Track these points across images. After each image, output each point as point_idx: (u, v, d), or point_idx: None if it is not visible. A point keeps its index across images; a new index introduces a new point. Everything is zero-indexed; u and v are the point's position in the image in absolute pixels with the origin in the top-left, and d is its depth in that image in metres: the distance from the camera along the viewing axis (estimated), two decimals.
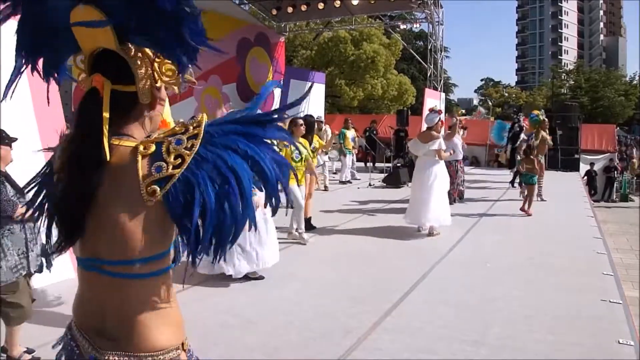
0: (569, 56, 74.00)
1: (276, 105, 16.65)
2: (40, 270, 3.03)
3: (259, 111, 1.09)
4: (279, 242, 5.83)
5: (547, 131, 10.06)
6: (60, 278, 4.24)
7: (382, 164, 13.99)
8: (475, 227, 7.07)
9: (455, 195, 8.64)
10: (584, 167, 17.17)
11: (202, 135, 1.03)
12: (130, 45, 1.07)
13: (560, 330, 3.54)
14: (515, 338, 3.40)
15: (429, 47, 16.17)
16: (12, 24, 1.22)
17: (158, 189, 1.01)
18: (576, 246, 5.99)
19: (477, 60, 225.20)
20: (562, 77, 48.14)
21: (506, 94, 51.55)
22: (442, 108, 15.79)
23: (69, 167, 1.09)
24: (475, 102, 60.24)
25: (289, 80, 16.52)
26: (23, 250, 2.90)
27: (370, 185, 11.43)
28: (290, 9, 15.14)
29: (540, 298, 4.19)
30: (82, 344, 1.16)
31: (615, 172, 18.59)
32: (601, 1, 77.48)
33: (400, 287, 4.38)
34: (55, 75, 1.23)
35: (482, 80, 64.48)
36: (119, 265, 1.07)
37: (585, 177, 17.00)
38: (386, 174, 12.10)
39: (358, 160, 14.16)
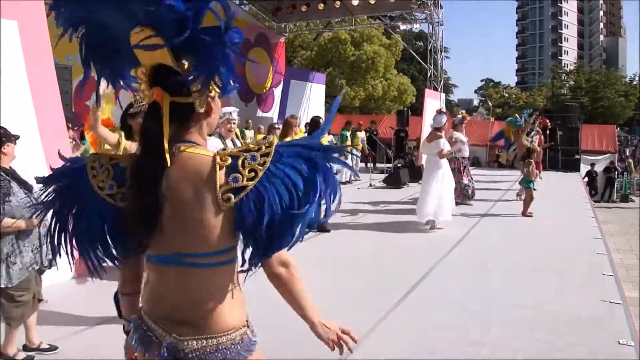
0: (569, 57, 74.00)
1: (277, 105, 16.67)
2: (50, 265, 3.03)
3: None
4: None
5: (527, 135, 10.18)
6: (60, 278, 4.24)
7: (382, 165, 13.99)
8: (476, 227, 7.07)
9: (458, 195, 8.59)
10: (584, 168, 17.16)
11: (272, 154, 1.19)
12: (184, 61, 1.18)
13: (560, 330, 3.54)
14: (515, 338, 3.40)
15: (429, 48, 16.18)
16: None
17: (232, 196, 1.17)
18: (576, 246, 5.98)
19: (477, 61, 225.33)
20: (562, 77, 48.15)
21: (506, 95, 51.54)
22: (443, 109, 15.78)
23: (136, 178, 1.21)
24: (476, 102, 60.24)
25: (289, 81, 16.52)
26: (37, 245, 2.91)
27: (370, 185, 11.43)
28: (290, 10, 15.14)
29: (540, 298, 4.19)
30: (156, 331, 1.29)
31: (616, 172, 18.58)
32: (601, 2, 77.46)
33: (400, 288, 4.38)
34: (120, 82, 1.35)
35: (482, 80, 64.53)
36: (198, 257, 1.23)
37: (586, 178, 16.99)
38: (386, 175, 12.10)
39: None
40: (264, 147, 1.20)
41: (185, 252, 1.23)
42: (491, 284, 4.56)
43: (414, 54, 20.93)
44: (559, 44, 76.83)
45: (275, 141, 1.22)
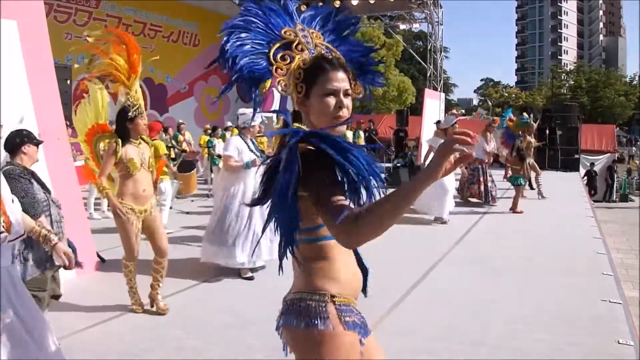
0: (569, 56, 74.06)
1: (275, 105, 16.63)
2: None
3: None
4: None
5: (533, 135, 10.09)
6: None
7: (382, 164, 14.00)
8: (475, 227, 7.07)
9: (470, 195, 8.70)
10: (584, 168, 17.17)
11: None
12: None
13: (560, 330, 3.53)
14: (515, 338, 3.40)
15: (429, 47, 16.19)
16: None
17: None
18: (576, 246, 5.98)
19: (477, 61, 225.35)
20: (562, 77, 48.19)
21: (506, 94, 51.54)
22: (442, 108, 15.79)
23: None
24: (475, 102, 60.27)
25: None
26: None
27: None
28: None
29: (540, 298, 4.18)
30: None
31: (614, 172, 18.58)
32: (601, 1, 77.48)
33: (400, 287, 4.38)
34: None
35: (481, 80, 64.60)
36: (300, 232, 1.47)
37: (585, 178, 16.99)
38: (386, 174, 12.10)
39: None
40: None
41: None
42: (491, 284, 4.56)
43: (414, 53, 20.94)
44: (559, 44, 76.85)
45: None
